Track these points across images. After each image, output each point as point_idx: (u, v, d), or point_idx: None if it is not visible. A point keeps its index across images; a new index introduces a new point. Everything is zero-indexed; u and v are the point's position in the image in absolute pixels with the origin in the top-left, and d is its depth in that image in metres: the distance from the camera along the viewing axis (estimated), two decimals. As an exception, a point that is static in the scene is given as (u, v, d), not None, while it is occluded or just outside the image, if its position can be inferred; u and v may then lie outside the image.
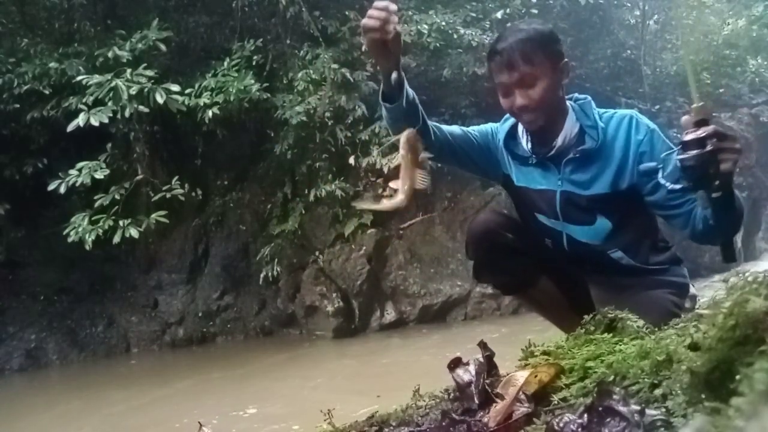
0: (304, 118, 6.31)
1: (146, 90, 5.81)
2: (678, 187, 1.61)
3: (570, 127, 1.82)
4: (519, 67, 1.72)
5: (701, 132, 1.43)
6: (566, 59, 1.82)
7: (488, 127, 2.03)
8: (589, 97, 1.89)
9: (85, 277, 7.08)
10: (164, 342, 7.16)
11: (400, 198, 1.52)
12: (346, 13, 7.02)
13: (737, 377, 0.52)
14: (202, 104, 6.17)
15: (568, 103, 1.85)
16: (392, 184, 1.56)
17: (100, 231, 5.90)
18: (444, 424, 0.87)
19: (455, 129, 2.00)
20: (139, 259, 7.30)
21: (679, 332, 0.82)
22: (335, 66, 6.42)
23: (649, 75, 9.59)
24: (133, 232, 5.97)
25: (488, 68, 1.89)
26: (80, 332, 7.00)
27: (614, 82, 9.38)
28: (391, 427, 0.97)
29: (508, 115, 1.93)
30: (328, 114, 6.43)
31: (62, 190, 5.92)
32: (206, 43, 7.28)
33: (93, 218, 6.01)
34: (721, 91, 10.13)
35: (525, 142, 1.90)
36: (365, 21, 1.56)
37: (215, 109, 6.16)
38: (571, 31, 9.22)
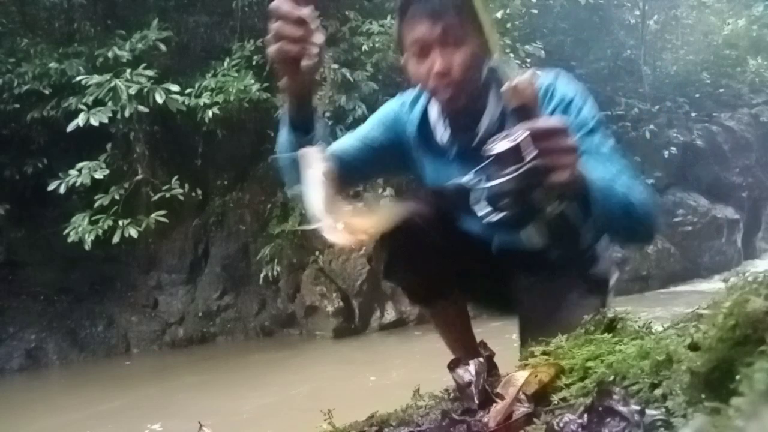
0: (304, 118, 6.31)
1: (146, 90, 5.82)
2: (485, 221, 1.16)
3: (493, 108, 1.45)
4: (444, 18, 1.36)
5: (514, 138, 1.03)
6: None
7: (393, 116, 1.61)
8: (506, 60, 1.43)
9: (85, 277, 7.08)
10: (164, 342, 7.16)
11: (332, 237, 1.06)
12: (346, 13, 7.03)
13: (737, 377, 0.52)
14: (202, 104, 6.17)
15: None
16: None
17: (100, 231, 5.91)
18: (444, 424, 0.87)
19: (354, 143, 1.59)
20: (139, 259, 7.30)
21: (679, 332, 0.82)
22: (335, 66, 6.42)
23: (649, 75, 9.59)
24: (133, 232, 5.97)
25: (397, 28, 1.47)
26: (80, 332, 7.00)
27: (614, 82, 9.38)
28: (391, 427, 0.97)
29: (416, 96, 1.58)
30: (328, 114, 6.43)
31: (62, 190, 5.92)
32: (206, 43, 7.28)
33: (93, 218, 6.01)
34: (721, 91, 10.14)
35: (442, 130, 1.52)
36: (276, 26, 1.14)
37: (215, 109, 6.16)
38: (571, 31, 9.23)
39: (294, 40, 1.13)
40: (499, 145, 1.05)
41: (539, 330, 1.08)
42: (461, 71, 1.38)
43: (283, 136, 1.34)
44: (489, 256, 1.57)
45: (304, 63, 1.16)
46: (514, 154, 1.02)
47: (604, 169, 1.29)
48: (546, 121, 1.11)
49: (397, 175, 1.54)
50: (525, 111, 1.08)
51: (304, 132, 1.30)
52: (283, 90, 1.24)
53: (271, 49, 1.16)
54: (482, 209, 1.26)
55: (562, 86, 1.41)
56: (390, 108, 1.63)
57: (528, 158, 1.02)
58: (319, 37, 1.16)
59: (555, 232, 1.16)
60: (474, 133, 1.45)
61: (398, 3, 1.48)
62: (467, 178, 1.30)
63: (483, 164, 1.19)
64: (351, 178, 1.53)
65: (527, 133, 1.03)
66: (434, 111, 1.53)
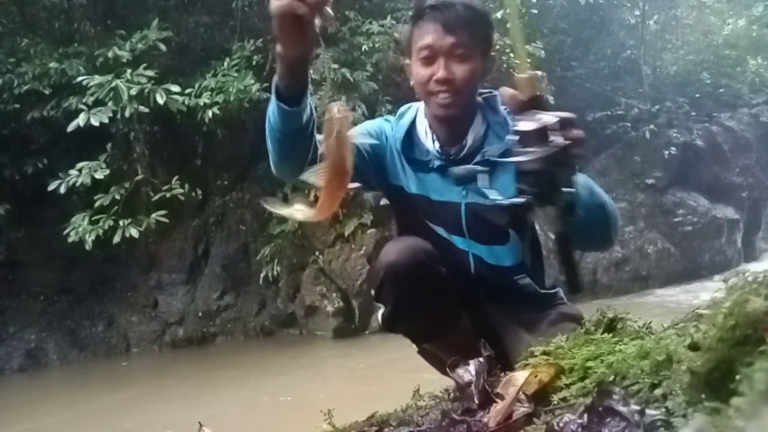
0: (304, 118, 6.31)
1: (146, 90, 5.82)
2: (508, 202, 1.17)
3: (479, 125, 1.56)
4: (456, 32, 1.45)
5: (541, 120, 1.07)
6: (494, 53, 1.58)
7: (378, 127, 1.64)
8: (495, 91, 1.54)
9: (85, 277, 7.08)
10: (164, 342, 7.16)
11: (311, 212, 1.07)
12: (346, 13, 7.02)
13: (737, 377, 0.52)
14: (202, 104, 6.18)
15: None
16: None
17: (100, 231, 5.91)
18: (444, 424, 0.87)
19: None
20: (139, 259, 7.30)
21: (679, 332, 0.82)
22: (335, 66, 6.42)
23: (649, 75, 9.59)
24: (133, 232, 5.98)
25: (409, 33, 1.54)
26: (80, 332, 7.00)
27: (614, 82, 9.37)
28: (391, 427, 0.97)
29: (404, 110, 1.65)
30: (328, 114, 6.43)
31: (62, 190, 5.92)
32: (206, 43, 7.28)
33: (93, 218, 6.01)
34: (721, 91, 10.13)
35: (430, 141, 1.58)
36: None
37: (215, 109, 6.16)
38: (571, 31, 9.22)
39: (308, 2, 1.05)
40: (524, 124, 1.07)
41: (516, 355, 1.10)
42: (461, 82, 1.47)
43: (272, 107, 1.25)
44: (469, 286, 1.60)
45: (316, 21, 1.08)
46: (539, 134, 1.06)
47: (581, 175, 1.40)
48: (564, 112, 1.16)
49: (375, 184, 1.62)
50: (536, 101, 1.11)
51: (294, 103, 1.21)
52: (281, 55, 1.15)
53: (281, 5, 1.05)
54: (495, 194, 1.29)
55: None
56: (376, 121, 1.70)
57: (553, 140, 1.06)
58: None
59: (564, 222, 1.17)
60: (461, 145, 1.55)
61: (414, 7, 1.55)
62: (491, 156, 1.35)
63: (490, 149, 1.37)
64: None
65: (556, 119, 1.07)
66: (422, 123, 1.60)
